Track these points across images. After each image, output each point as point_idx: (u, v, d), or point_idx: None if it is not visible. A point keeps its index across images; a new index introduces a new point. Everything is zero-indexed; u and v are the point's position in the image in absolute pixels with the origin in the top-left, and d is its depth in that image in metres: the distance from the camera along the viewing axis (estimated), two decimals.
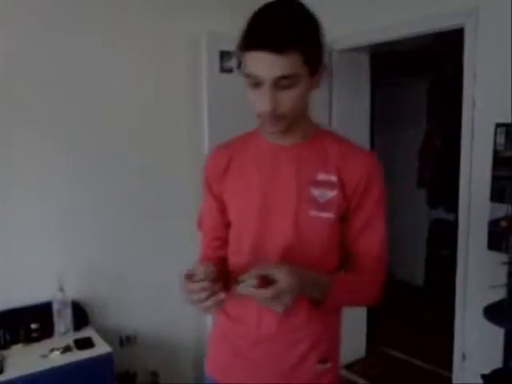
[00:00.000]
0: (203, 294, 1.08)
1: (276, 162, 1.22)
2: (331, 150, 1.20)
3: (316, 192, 1.17)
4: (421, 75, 4.77)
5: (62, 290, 2.35)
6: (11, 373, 2.05)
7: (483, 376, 2.19)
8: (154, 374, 2.74)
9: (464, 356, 2.60)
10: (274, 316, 1.19)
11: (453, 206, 3.07)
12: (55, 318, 2.36)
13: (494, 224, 2.27)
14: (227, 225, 1.31)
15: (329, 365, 1.26)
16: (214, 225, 1.35)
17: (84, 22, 2.46)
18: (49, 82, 2.40)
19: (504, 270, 2.22)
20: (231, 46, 2.71)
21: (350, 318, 3.45)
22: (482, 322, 2.16)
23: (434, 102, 4.79)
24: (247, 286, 1.04)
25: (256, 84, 1.07)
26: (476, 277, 2.52)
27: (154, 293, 2.80)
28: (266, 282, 1.04)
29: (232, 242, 1.30)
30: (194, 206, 2.84)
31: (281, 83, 1.05)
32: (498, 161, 2.36)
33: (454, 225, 2.62)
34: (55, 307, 2.35)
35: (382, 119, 4.92)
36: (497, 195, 2.36)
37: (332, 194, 1.17)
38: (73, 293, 2.44)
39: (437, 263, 4.80)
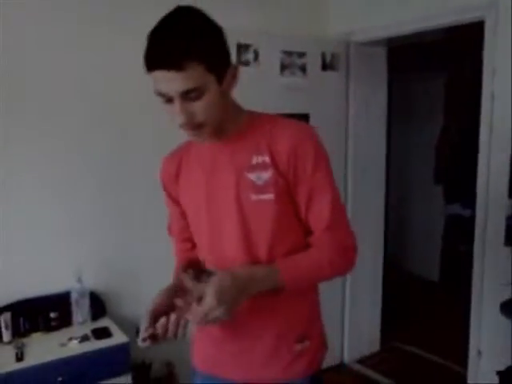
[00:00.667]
0: (171, 328, 1.16)
1: (214, 160, 1.24)
2: (262, 131, 1.20)
3: (252, 176, 1.18)
4: (439, 70, 4.72)
5: (80, 280, 2.38)
6: (31, 360, 2.09)
7: (499, 372, 2.18)
8: (170, 365, 2.77)
9: (479, 352, 2.59)
10: (242, 308, 1.19)
11: (469, 202, 3.05)
12: (73, 308, 2.40)
13: (511, 220, 2.25)
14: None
15: (307, 342, 1.28)
16: (181, 228, 1.41)
17: (87, 21, 2.46)
18: (51, 81, 2.40)
19: None
20: (248, 38, 2.75)
21: (365, 312, 3.48)
22: (498, 319, 2.15)
23: (451, 97, 4.74)
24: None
25: (168, 100, 1.08)
26: (492, 273, 2.51)
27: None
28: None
29: (196, 241, 1.36)
30: None
31: (189, 96, 1.06)
32: None
33: (469, 220, 2.61)
34: (73, 297, 2.39)
35: (398, 114, 4.88)
36: None
37: (267, 174, 1.17)
38: (91, 283, 2.47)
39: (452, 259, 4.77)
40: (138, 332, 1.18)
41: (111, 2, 2.53)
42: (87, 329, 2.35)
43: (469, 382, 2.67)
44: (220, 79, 1.10)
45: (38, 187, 2.40)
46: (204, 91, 1.07)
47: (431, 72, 4.76)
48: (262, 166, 1.18)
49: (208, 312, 1.06)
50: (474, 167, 2.60)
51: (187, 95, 1.06)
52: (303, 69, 2.98)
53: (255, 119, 1.25)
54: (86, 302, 2.41)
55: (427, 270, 4.91)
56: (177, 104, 1.07)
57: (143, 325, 1.19)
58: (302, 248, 1.22)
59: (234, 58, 2.71)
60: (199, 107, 1.09)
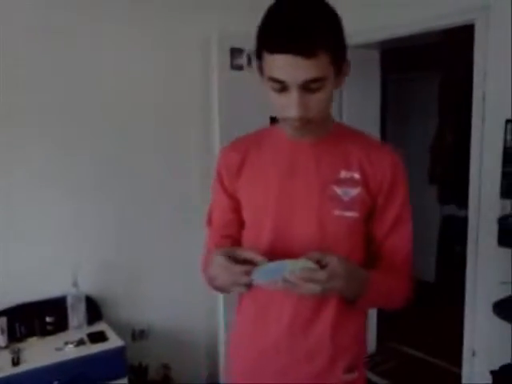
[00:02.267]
0: (243, 279, 1.05)
1: (295, 160, 1.17)
2: (352, 146, 1.16)
3: (339, 190, 1.13)
4: (432, 70, 4.74)
5: (75, 284, 2.39)
6: (27, 365, 2.10)
7: (492, 372, 2.19)
8: (167, 367, 2.78)
9: (474, 352, 2.60)
10: (298, 320, 1.16)
11: (464, 203, 3.06)
12: (69, 312, 2.40)
13: (503, 220, 2.27)
14: (239, 223, 1.27)
15: (356, 374, 1.20)
16: (225, 222, 1.29)
17: (96, 23, 2.49)
18: (52, 80, 2.42)
19: None
20: (242, 43, 2.78)
21: None
22: (492, 318, 2.17)
23: (445, 98, 4.76)
24: (296, 271, 0.99)
25: (282, 89, 1.01)
26: (486, 273, 2.52)
27: (167, 287, 2.84)
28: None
29: (246, 241, 1.25)
30: (207, 203, 2.88)
31: (309, 86, 0.99)
32: (508, 157, 2.36)
33: (465, 221, 2.62)
34: (69, 301, 2.40)
35: (393, 115, 4.91)
36: (507, 192, 2.35)
37: (355, 191, 1.13)
38: (86, 288, 2.48)
39: (448, 260, 4.79)
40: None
41: (122, 1, 2.56)
42: (83, 333, 2.35)
43: (463, 381, 2.68)
44: (338, 73, 1.05)
45: (34, 192, 2.41)
46: (325, 84, 1.01)
47: (426, 73, 4.79)
48: (350, 182, 1.13)
49: (331, 277, 0.99)
50: (468, 168, 2.61)
51: (307, 86, 0.99)
52: None
53: (343, 129, 1.21)
54: (82, 306, 2.42)
55: (423, 270, 4.93)
56: (294, 94, 1.00)
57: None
58: (364, 266, 1.18)
59: (227, 62, 2.73)
60: (316, 100, 1.02)
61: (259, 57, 1.04)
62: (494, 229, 2.40)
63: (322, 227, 1.13)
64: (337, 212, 1.13)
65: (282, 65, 0.97)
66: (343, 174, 1.14)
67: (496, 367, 2.24)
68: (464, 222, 2.65)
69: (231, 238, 1.28)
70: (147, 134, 2.72)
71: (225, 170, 1.27)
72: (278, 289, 1.05)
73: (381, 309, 3.47)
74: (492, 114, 2.45)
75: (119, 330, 2.48)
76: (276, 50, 0.97)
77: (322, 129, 1.15)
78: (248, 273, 1.03)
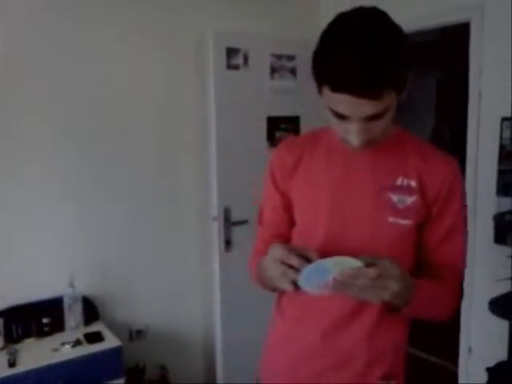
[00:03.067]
0: (292, 274, 1.01)
1: (349, 164, 1.15)
2: (411, 153, 1.14)
3: (395, 197, 1.11)
4: (430, 69, 4.75)
5: (72, 285, 2.39)
6: (23, 366, 2.09)
7: (488, 369, 2.20)
8: (164, 368, 2.78)
9: (470, 349, 2.61)
10: (337, 324, 1.15)
11: None
12: (66, 313, 2.40)
13: (499, 218, 2.28)
14: (290, 223, 1.25)
15: (394, 382, 1.18)
16: (277, 221, 1.27)
17: (89, 22, 2.49)
18: (55, 81, 2.43)
19: (510, 263, 2.23)
20: (238, 42, 2.78)
21: None
22: (488, 315, 2.17)
23: (442, 96, 4.78)
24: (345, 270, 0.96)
25: (342, 117, 0.99)
26: (482, 270, 2.53)
27: (163, 288, 2.84)
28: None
29: (296, 242, 1.23)
30: (203, 204, 2.89)
31: (372, 118, 0.97)
32: (504, 155, 2.37)
33: None
34: (66, 302, 2.39)
35: None
36: (503, 189, 2.36)
37: (411, 199, 1.11)
38: (83, 288, 2.48)
39: None
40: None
41: (117, 1, 2.55)
42: (80, 333, 2.35)
43: (460, 379, 2.69)
44: (401, 93, 1.01)
45: (29, 193, 2.40)
46: (388, 111, 0.99)
47: (422, 72, 4.79)
48: (406, 190, 1.11)
49: (382, 276, 0.95)
50: (465, 165, 2.62)
51: (370, 118, 0.97)
52: (293, 72, 3.00)
53: (401, 135, 1.18)
54: (79, 306, 2.41)
55: None
56: (355, 126, 0.98)
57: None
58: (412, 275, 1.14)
59: (223, 62, 2.73)
60: (378, 127, 1.01)
61: (317, 83, 1.00)
62: (490, 226, 2.41)
63: (375, 233, 1.12)
64: (391, 219, 1.11)
65: (344, 102, 0.94)
66: (400, 180, 1.12)
67: (492, 364, 2.24)
68: None
69: (282, 237, 1.27)
70: (143, 134, 2.72)
71: (278, 169, 1.25)
72: (326, 293, 1.01)
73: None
74: (488, 112, 2.46)
75: (116, 330, 2.48)
76: (338, 90, 0.93)
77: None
78: (299, 268, 1.00)
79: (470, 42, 2.50)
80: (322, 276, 0.98)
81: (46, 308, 2.39)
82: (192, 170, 2.88)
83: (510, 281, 2.21)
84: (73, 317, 2.40)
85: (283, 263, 1.02)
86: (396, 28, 0.97)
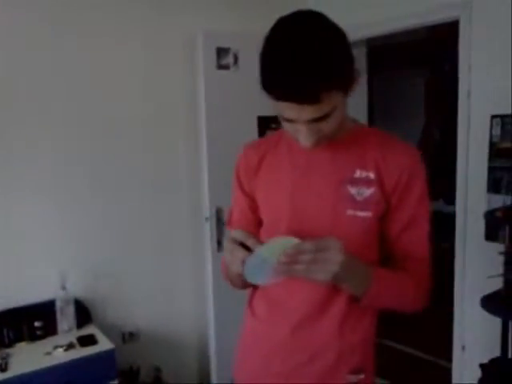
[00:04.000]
0: (236, 268, 1.03)
1: (309, 160, 1.16)
2: (369, 145, 1.15)
3: (353, 190, 1.12)
4: (419, 67, 4.77)
5: (64, 288, 2.37)
6: (15, 370, 2.08)
7: (481, 365, 2.21)
8: (158, 370, 2.77)
9: (463, 346, 2.63)
10: (305, 322, 1.16)
11: (452, 198, 3.09)
12: (58, 316, 2.38)
13: (490, 215, 2.29)
14: (258, 223, 1.27)
15: (362, 375, 1.18)
16: (245, 223, 1.28)
17: (78, 23, 2.47)
18: (47, 84, 2.41)
19: (501, 260, 2.24)
20: (228, 42, 2.77)
21: None
22: (481, 313, 2.18)
23: (432, 94, 4.80)
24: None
25: (290, 121, 1.01)
26: (474, 267, 2.54)
27: (156, 289, 2.83)
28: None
29: (264, 239, 1.23)
30: (194, 206, 2.88)
31: (317, 119, 0.98)
32: (494, 152, 2.38)
33: (453, 217, 2.64)
34: (58, 305, 2.37)
35: (380, 112, 4.92)
36: (493, 186, 2.37)
37: (370, 191, 1.12)
38: (75, 291, 2.46)
39: (437, 255, 4.80)
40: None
41: (100, 4, 2.54)
42: (72, 337, 2.34)
43: (453, 375, 2.70)
44: (347, 92, 1.01)
45: (21, 195, 2.38)
46: (334, 111, 0.99)
47: (412, 70, 4.81)
48: (365, 182, 1.12)
49: (321, 249, 0.95)
50: (455, 163, 2.63)
51: (316, 120, 0.98)
52: None
53: (361, 129, 1.19)
54: (71, 309, 2.40)
55: None
56: (303, 128, 1.00)
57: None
58: (377, 265, 1.17)
59: (213, 62, 2.73)
60: (326, 127, 1.02)
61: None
62: (481, 223, 2.42)
63: (335, 226, 1.12)
64: (349, 212, 1.12)
65: (288, 107, 0.96)
66: (358, 173, 1.13)
67: (485, 361, 2.25)
68: (452, 217, 2.67)
69: None
70: (134, 135, 2.71)
71: (243, 170, 1.27)
72: (275, 281, 1.02)
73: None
74: (477, 109, 2.47)
75: (109, 332, 2.46)
76: (278, 98, 0.96)
77: (337, 133, 1.12)
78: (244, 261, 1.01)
79: (460, 39, 2.51)
80: (262, 267, 0.99)
81: (38, 311, 2.38)
82: (184, 170, 2.88)
83: (501, 277, 2.22)
84: (65, 320, 2.38)
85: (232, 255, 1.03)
86: (332, 29, 0.97)
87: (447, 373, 2.79)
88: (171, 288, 2.89)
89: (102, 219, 2.63)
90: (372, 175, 1.12)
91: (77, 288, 2.49)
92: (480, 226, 2.45)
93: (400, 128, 5.05)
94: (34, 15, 2.35)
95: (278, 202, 1.19)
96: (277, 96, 0.96)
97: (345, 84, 0.98)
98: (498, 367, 2.19)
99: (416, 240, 1.16)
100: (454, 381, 2.71)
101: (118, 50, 2.61)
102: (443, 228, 4.67)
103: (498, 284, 2.25)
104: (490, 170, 2.40)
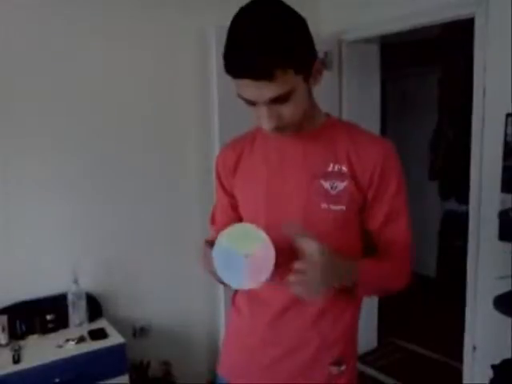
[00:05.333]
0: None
1: (283, 154, 1.18)
2: (341, 139, 1.15)
3: (326, 184, 1.13)
4: (432, 65, 4.73)
5: (76, 282, 2.39)
6: (28, 362, 2.10)
7: (493, 366, 2.19)
8: (168, 364, 2.78)
9: (474, 347, 2.60)
10: (282, 316, 1.18)
11: (465, 198, 3.08)
12: (70, 310, 2.40)
13: (504, 214, 2.27)
14: (240, 220, 1.28)
15: (344, 367, 1.20)
16: (227, 221, 1.29)
17: (88, 20, 2.47)
18: (56, 80, 2.43)
19: None
20: None
21: (362, 309, 3.48)
22: (493, 313, 2.16)
23: (445, 93, 4.75)
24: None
25: (251, 103, 1.04)
26: (487, 267, 2.52)
27: (167, 284, 2.84)
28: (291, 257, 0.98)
29: None
30: (205, 201, 2.88)
31: (277, 100, 1.01)
32: (509, 151, 2.35)
33: (466, 216, 2.62)
34: (70, 299, 2.40)
35: (393, 111, 4.89)
36: (507, 185, 2.35)
37: (343, 184, 1.12)
38: (87, 285, 2.48)
39: (449, 255, 4.78)
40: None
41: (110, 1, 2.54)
42: (84, 330, 2.36)
43: (464, 376, 2.68)
44: (307, 77, 1.04)
45: (34, 189, 2.40)
46: (292, 94, 1.01)
47: (425, 68, 4.77)
48: (338, 175, 1.13)
49: (306, 271, 0.97)
50: (468, 163, 2.61)
51: (275, 100, 1.00)
52: None
53: (333, 123, 1.20)
54: (83, 303, 2.42)
55: (424, 266, 4.92)
56: (263, 110, 1.02)
57: None
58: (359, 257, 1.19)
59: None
60: (286, 110, 1.03)
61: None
62: (495, 223, 2.40)
63: (309, 221, 1.13)
64: (323, 205, 1.13)
65: (245, 86, 0.99)
66: (331, 167, 1.14)
67: (497, 362, 2.24)
68: (465, 216, 2.65)
69: None
70: (146, 134, 2.71)
71: (222, 169, 1.30)
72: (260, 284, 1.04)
73: (379, 297, 3.51)
74: (492, 108, 2.44)
75: (120, 327, 2.48)
76: (235, 76, 0.99)
77: (307, 125, 1.15)
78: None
79: (475, 37, 2.48)
80: (230, 260, 1.02)
81: (49, 304, 2.40)
82: (194, 169, 2.88)
83: None
84: (77, 313, 2.40)
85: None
86: (289, 12, 1.01)
87: (458, 373, 2.78)
88: (183, 284, 2.90)
89: (115, 215, 2.65)
90: (345, 169, 1.13)
91: (89, 282, 2.51)
92: (493, 226, 2.42)
93: (413, 126, 5.03)
94: (35, 13, 2.35)
95: (254, 198, 1.22)
96: (233, 73, 0.99)
97: (300, 65, 1.00)
98: (510, 368, 2.18)
99: (396, 232, 1.18)
100: (464, 381, 2.69)
101: (127, 46, 2.60)
102: (456, 227, 4.67)
103: (509, 284, 2.23)
104: (505, 169, 2.37)
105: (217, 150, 2.75)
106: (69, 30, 2.43)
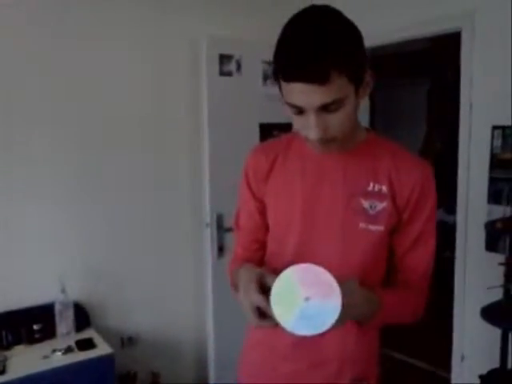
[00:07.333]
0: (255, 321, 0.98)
1: (321, 169, 1.15)
2: (382, 158, 1.12)
3: (366, 203, 1.10)
4: (421, 77, 4.79)
5: (63, 291, 2.37)
6: (13, 373, 2.07)
7: (481, 376, 2.20)
8: (155, 375, 2.76)
9: (463, 357, 2.62)
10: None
11: (453, 208, 3.11)
12: (57, 319, 2.37)
13: (490, 225, 2.29)
14: (266, 227, 1.26)
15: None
16: (254, 226, 1.27)
17: (81, 24, 2.48)
18: (49, 83, 2.42)
19: (501, 270, 2.24)
20: (231, 49, 2.78)
21: None
22: (481, 323, 2.18)
23: (433, 104, 4.81)
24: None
25: (299, 112, 1.00)
26: (474, 278, 2.54)
27: (155, 294, 2.83)
28: None
29: (272, 246, 1.24)
30: (195, 212, 2.89)
31: (327, 109, 0.97)
32: (495, 163, 2.39)
33: (453, 227, 2.65)
34: (57, 308, 2.37)
35: (382, 121, 4.94)
36: (494, 197, 2.38)
37: (382, 205, 1.10)
38: (74, 294, 2.46)
39: (437, 265, 4.80)
40: None
41: (110, 3, 2.55)
42: (71, 340, 2.33)
43: None
44: (358, 87, 1.00)
45: (19, 199, 2.38)
46: (343, 103, 0.97)
47: (414, 80, 4.83)
48: (378, 195, 1.10)
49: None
50: (456, 173, 2.64)
51: (326, 108, 0.97)
52: None
53: (374, 140, 1.17)
54: (70, 313, 2.39)
55: None
56: (312, 117, 0.98)
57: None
58: (379, 283, 1.17)
59: (216, 69, 2.74)
60: (335, 120, 0.99)
61: (277, 80, 1.01)
62: (482, 234, 2.42)
63: (346, 239, 1.11)
64: (362, 225, 1.10)
65: (297, 91, 0.95)
66: (371, 186, 1.11)
67: (485, 371, 2.25)
68: (453, 227, 2.67)
69: (259, 242, 1.28)
70: (135, 140, 2.71)
71: (253, 173, 1.25)
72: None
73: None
74: (479, 120, 2.48)
75: (108, 337, 2.46)
76: (288, 79, 0.95)
77: (349, 141, 1.10)
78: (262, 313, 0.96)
79: (461, 51, 2.52)
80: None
81: (36, 314, 2.37)
82: (185, 175, 2.88)
83: (501, 288, 2.22)
84: (64, 323, 2.38)
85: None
86: (347, 22, 0.99)
87: (446, 383, 2.78)
88: (171, 294, 2.89)
89: (102, 223, 2.63)
90: (385, 189, 1.11)
91: (76, 292, 2.49)
92: (480, 237, 2.45)
93: (401, 137, 5.07)
94: (34, 15, 2.35)
95: (287, 214, 1.17)
96: (287, 76, 0.96)
97: (354, 72, 0.97)
98: (498, 378, 2.19)
99: (421, 256, 1.16)
100: None
101: (119, 53, 2.61)
102: (443, 237, 4.70)
103: (498, 294, 2.25)
104: (491, 180, 2.40)
105: (207, 158, 2.76)
106: (67, 33, 2.44)
